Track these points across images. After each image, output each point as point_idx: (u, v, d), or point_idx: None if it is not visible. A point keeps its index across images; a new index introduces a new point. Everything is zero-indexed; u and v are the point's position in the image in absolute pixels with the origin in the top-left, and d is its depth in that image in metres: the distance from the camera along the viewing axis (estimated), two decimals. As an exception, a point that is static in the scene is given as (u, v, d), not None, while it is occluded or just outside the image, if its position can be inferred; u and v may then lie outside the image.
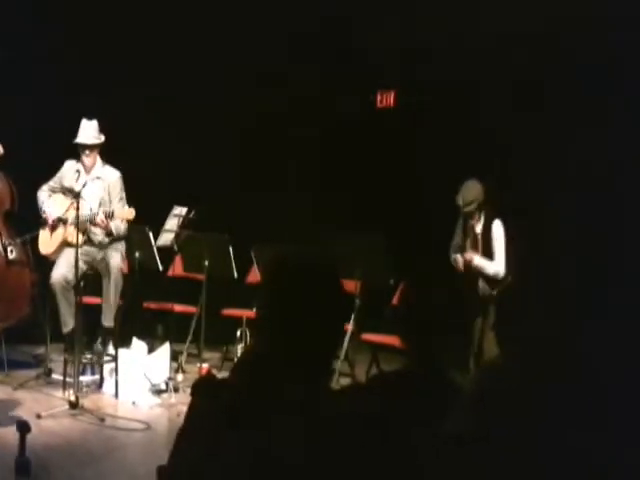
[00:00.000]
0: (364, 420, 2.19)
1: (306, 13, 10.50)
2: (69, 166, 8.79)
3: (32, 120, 9.69)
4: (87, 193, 8.45)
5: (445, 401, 2.64)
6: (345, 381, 8.41)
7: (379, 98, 11.59)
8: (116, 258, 8.69)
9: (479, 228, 8.00)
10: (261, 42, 10.76)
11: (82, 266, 8.20)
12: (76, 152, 8.75)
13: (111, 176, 8.84)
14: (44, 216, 8.74)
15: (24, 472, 5.98)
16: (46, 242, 8.77)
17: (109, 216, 8.46)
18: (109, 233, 8.64)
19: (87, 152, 8.68)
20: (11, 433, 6.39)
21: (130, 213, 8.47)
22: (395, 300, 8.54)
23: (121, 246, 8.86)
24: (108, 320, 8.76)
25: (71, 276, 8.23)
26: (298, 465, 2.09)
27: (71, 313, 8.42)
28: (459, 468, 1.97)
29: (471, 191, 7.91)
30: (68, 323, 8.54)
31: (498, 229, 7.92)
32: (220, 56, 10.76)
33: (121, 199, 8.76)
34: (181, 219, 9.43)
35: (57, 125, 9.07)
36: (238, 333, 9.03)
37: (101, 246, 8.71)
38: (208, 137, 10.78)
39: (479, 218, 7.99)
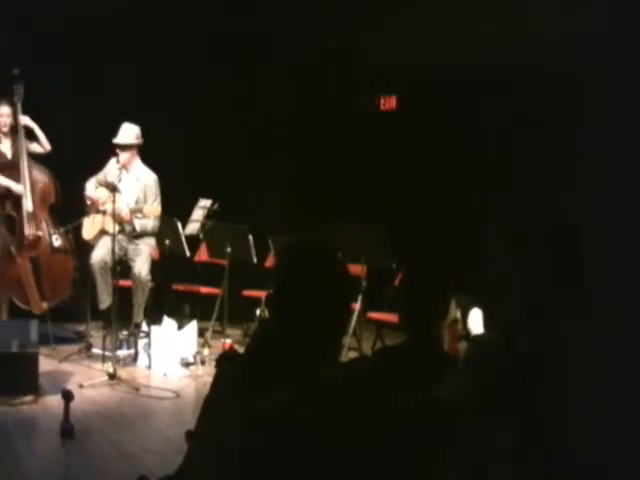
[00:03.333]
0: (368, 387, 2.20)
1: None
2: (113, 163, 8.76)
3: (76, 121, 9.68)
4: (125, 189, 8.45)
5: (440, 370, 2.65)
6: (353, 354, 8.41)
7: (382, 102, 11.58)
8: (143, 258, 8.68)
9: (459, 326, 7.62)
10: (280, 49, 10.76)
11: (117, 252, 8.22)
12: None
13: (148, 178, 8.83)
14: (89, 203, 8.75)
15: (68, 435, 6.03)
16: (88, 229, 8.81)
17: (135, 212, 8.48)
18: (133, 228, 8.66)
19: (119, 151, 8.66)
20: (57, 401, 6.44)
21: (156, 210, 8.50)
22: (397, 282, 8.56)
23: (150, 240, 8.86)
24: (137, 318, 8.80)
25: (108, 259, 8.28)
26: (304, 427, 2.10)
27: (107, 291, 8.47)
28: (452, 434, 1.98)
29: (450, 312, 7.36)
30: (104, 300, 8.57)
31: (476, 321, 7.37)
32: (238, 59, 10.74)
33: (155, 200, 8.74)
34: (206, 210, 9.47)
35: (98, 126, 9.08)
36: (257, 312, 9.04)
37: (131, 237, 8.72)
38: (231, 138, 10.78)
39: (457, 322, 7.57)
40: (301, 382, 2.16)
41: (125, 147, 8.68)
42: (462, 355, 2.91)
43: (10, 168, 8.69)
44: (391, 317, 8.09)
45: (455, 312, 7.41)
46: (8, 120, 8.70)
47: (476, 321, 7.07)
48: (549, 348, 1.85)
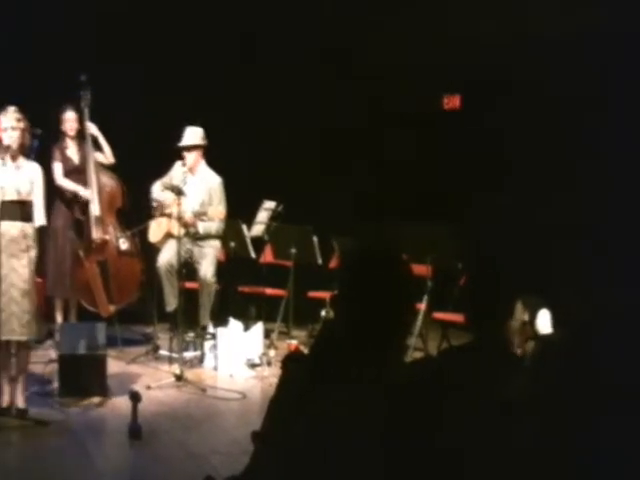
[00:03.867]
0: (433, 387, 2.20)
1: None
2: (178, 167, 8.85)
3: (141, 124, 9.79)
4: (191, 192, 8.52)
5: (506, 370, 2.63)
6: (419, 355, 8.38)
7: (445, 101, 11.50)
8: (208, 261, 8.74)
9: (528, 327, 7.50)
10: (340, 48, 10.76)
11: (183, 254, 8.29)
12: (181, 155, 8.83)
13: (213, 181, 8.88)
14: (155, 206, 8.85)
15: (136, 436, 6.08)
16: (154, 232, 8.89)
17: (199, 215, 8.54)
18: (197, 231, 8.72)
19: (186, 153, 8.75)
20: (125, 402, 6.52)
21: (220, 213, 8.55)
22: (462, 282, 8.51)
23: (215, 242, 8.91)
24: (203, 320, 8.86)
25: (174, 261, 8.34)
26: (368, 427, 2.10)
27: (174, 294, 8.52)
28: (513, 435, 1.96)
29: (514, 322, 7.23)
30: (171, 303, 8.64)
31: (544, 321, 7.24)
32: (301, 60, 10.77)
33: (220, 202, 8.79)
34: (271, 212, 9.51)
35: (163, 130, 9.18)
36: (322, 313, 9.04)
37: (195, 240, 8.78)
38: (295, 139, 10.81)
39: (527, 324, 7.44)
40: (365, 382, 2.16)
41: (191, 148, 8.76)
42: (528, 355, 2.89)
43: (77, 173, 8.81)
44: (457, 317, 8.04)
45: (523, 314, 7.32)
46: (74, 125, 8.83)
47: (544, 322, 6.98)
48: (612, 348, 1.83)
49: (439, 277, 8.51)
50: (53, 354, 7.79)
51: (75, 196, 8.77)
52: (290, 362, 2.48)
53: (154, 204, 8.84)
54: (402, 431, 2.08)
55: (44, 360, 7.73)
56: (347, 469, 2.07)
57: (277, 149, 10.65)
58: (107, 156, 8.96)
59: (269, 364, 8.36)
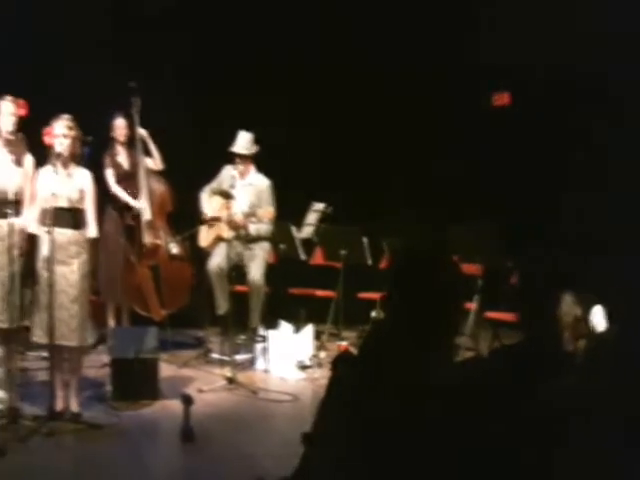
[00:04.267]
0: (483, 387, 2.18)
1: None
2: (227, 171, 8.89)
3: (191, 131, 9.85)
4: (240, 196, 8.54)
5: (559, 369, 2.61)
6: (470, 355, 8.33)
7: (495, 97, 11.40)
8: (257, 263, 8.77)
9: (582, 324, 7.40)
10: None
11: (233, 258, 8.32)
12: (230, 159, 8.87)
13: (262, 183, 8.91)
14: (204, 214, 8.91)
15: (189, 438, 6.12)
16: (204, 236, 8.94)
17: (249, 216, 8.56)
18: (248, 233, 8.74)
19: (239, 160, 8.79)
20: (177, 405, 6.54)
21: (269, 213, 8.55)
22: (513, 280, 8.41)
23: (265, 244, 8.93)
24: (254, 323, 8.88)
25: (225, 265, 8.37)
26: (419, 428, 2.09)
27: (224, 297, 8.54)
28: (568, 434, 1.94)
29: (565, 317, 7.19)
30: (222, 306, 8.67)
31: (598, 318, 7.14)
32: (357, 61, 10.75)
33: (269, 204, 8.80)
34: (320, 214, 9.52)
35: (212, 132, 9.22)
36: (373, 314, 9.03)
37: (246, 243, 8.80)
38: (344, 140, 10.79)
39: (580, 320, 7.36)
40: (415, 383, 2.15)
41: (243, 157, 8.79)
42: (581, 353, 2.86)
43: (128, 178, 8.90)
44: (509, 316, 7.97)
45: (575, 309, 7.25)
46: (124, 131, 8.93)
47: (599, 318, 6.90)
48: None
49: (490, 276, 8.44)
50: (106, 358, 7.86)
51: (127, 203, 8.85)
52: (340, 363, 2.49)
53: (204, 216, 8.87)
54: (453, 431, 2.07)
55: (97, 364, 7.82)
56: (397, 469, 2.07)
57: (326, 150, 10.63)
58: (156, 162, 9.04)
59: (320, 366, 8.37)
